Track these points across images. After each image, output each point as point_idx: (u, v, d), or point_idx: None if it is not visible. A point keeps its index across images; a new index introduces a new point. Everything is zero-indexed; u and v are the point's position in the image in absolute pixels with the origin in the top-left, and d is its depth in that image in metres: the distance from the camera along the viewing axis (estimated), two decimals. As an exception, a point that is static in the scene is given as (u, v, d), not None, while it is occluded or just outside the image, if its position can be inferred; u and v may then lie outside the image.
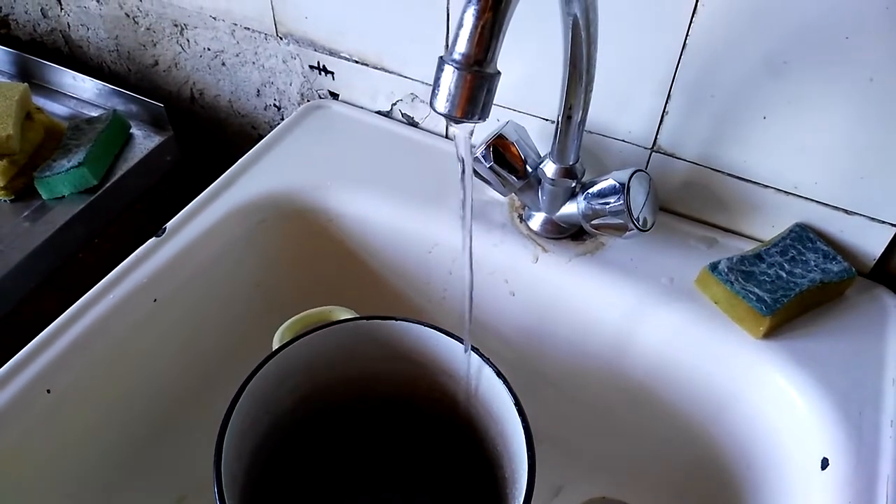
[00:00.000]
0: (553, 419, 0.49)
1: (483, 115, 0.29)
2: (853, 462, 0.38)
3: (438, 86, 0.29)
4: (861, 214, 0.44)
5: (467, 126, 0.31)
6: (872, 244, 0.45)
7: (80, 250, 0.58)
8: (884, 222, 0.44)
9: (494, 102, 0.31)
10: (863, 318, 0.44)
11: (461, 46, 0.28)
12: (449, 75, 0.28)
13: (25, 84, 0.61)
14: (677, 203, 0.50)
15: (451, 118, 0.29)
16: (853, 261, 0.45)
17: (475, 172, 0.47)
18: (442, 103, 0.29)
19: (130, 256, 0.47)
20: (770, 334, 0.43)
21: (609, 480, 0.52)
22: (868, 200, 0.43)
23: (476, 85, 0.28)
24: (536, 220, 0.49)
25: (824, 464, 0.38)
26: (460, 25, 0.28)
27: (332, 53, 0.57)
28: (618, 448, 0.52)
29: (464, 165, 0.33)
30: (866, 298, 0.45)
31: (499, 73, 0.29)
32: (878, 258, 0.45)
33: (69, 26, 0.72)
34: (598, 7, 0.36)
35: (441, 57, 0.29)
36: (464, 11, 0.28)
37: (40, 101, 0.66)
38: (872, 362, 0.42)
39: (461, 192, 0.34)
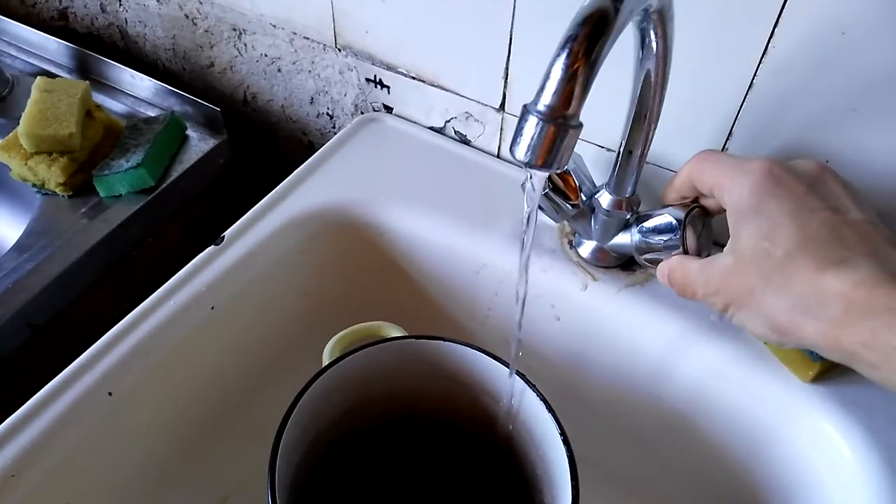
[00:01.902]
0: (589, 442, 0.49)
1: (562, 165, 0.29)
2: (900, 517, 0.38)
3: (521, 134, 0.29)
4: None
5: (544, 173, 0.31)
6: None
7: (134, 249, 0.60)
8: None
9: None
10: (913, 367, 0.44)
11: (546, 98, 0.28)
12: (532, 126, 0.29)
13: (87, 82, 0.62)
14: (729, 238, 0.50)
15: (530, 167, 0.29)
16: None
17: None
18: (523, 151, 0.29)
19: (189, 264, 0.48)
20: (819, 378, 0.43)
21: (643, 507, 0.53)
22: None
23: (559, 137, 0.29)
24: (586, 248, 0.50)
25: (869, 515, 0.38)
26: (547, 77, 0.28)
27: (389, 68, 0.58)
28: (653, 474, 0.52)
29: (531, 208, 0.34)
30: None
31: (581, 124, 0.29)
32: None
33: (126, 22, 0.73)
34: (671, 60, 0.36)
35: (525, 105, 0.29)
36: (552, 62, 0.28)
37: (97, 98, 0.67)
38: (922, 413, 0.42)
39: (523, 227, 0.35)
